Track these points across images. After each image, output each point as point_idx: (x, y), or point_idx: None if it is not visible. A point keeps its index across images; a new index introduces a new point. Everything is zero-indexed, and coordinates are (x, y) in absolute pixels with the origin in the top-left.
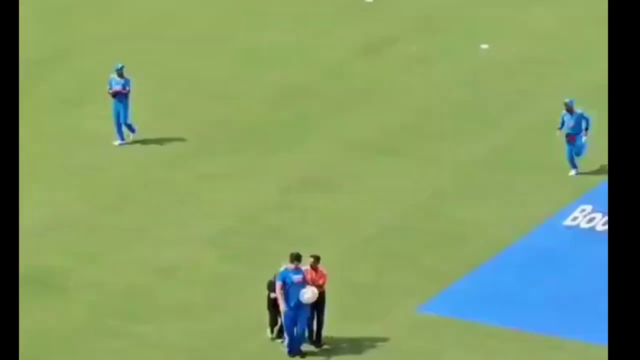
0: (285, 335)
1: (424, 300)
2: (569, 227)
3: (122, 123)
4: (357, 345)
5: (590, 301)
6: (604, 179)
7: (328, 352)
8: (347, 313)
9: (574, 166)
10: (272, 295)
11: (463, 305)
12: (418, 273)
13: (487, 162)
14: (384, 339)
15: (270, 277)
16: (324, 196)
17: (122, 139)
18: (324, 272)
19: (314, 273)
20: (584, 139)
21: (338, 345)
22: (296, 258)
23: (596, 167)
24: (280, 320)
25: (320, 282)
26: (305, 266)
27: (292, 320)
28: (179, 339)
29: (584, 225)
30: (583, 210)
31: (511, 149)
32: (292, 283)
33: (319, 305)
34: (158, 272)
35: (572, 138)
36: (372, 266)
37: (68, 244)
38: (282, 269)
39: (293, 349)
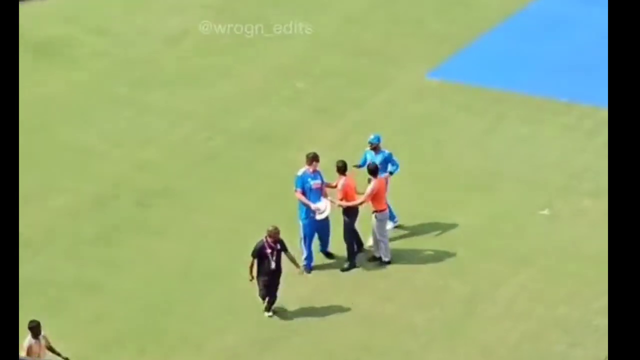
0: (304, 247)
1: (432, 66)
2: None
3: None
4: (362, 111)
5: (599, 67)
6: None
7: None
8: (355, 80)
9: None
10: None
11: (471, 70)
12: (426, 38)
13: None
14: (392, 105)
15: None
16: None
17: None
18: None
19: (351, 180)
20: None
21: (342, 112)
22: (313, 158)
23: None
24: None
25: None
26: (341, 179)
27: (312, 231)
28: (186, 106)
29: None
30: None
31: None
32: (311, 189)
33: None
34: (164, 40)
35: None
36: (380, 32)
37: (74, 13)
38: (299, 173)
39: (309, 266)
